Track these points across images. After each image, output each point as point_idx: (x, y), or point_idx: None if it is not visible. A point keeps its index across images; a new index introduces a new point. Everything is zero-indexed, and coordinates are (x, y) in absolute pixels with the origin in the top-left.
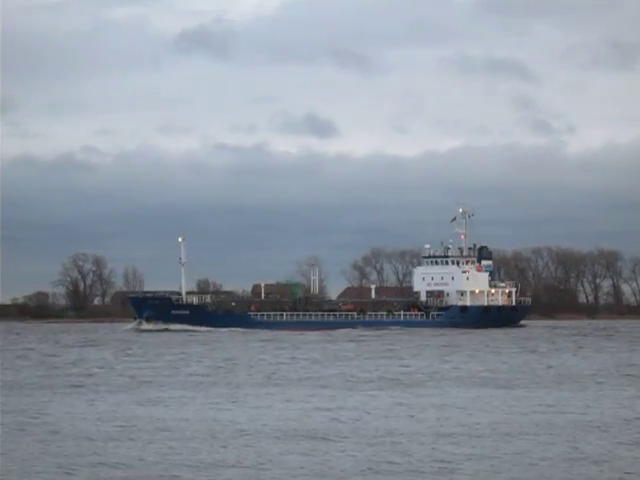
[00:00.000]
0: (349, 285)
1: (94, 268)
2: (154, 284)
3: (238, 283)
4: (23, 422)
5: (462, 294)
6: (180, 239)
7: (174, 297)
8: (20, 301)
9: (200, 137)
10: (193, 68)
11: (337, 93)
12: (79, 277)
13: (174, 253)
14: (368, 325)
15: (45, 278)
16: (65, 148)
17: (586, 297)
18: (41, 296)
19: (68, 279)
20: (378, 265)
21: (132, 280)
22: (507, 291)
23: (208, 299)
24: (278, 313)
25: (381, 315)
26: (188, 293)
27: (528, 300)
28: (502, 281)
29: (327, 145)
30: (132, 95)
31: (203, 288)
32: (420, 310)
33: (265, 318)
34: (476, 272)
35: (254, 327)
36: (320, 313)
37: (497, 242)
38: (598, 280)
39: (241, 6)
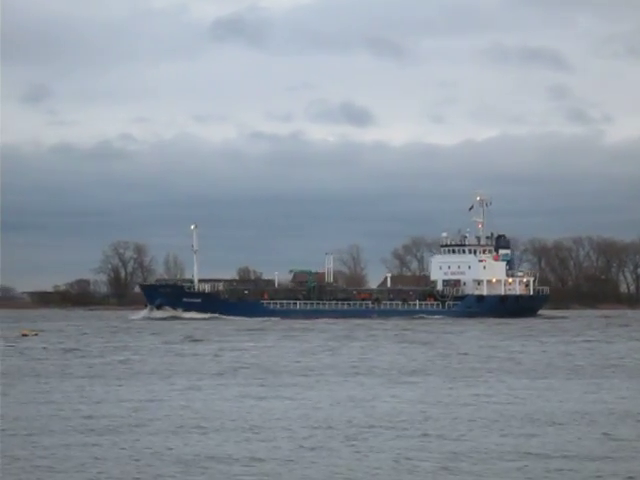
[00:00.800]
0: (389, 274)
1: (135, 255)
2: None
3: (275, 272)
4: (56, 408)
5: (479, 283)
6: (192, 227)
7: (186, 285)
8: (62, 288)
9: (236, 126)
10: (229, 56)
11: (373, 82)
12: (120, 265)
13: (212, 242)
14: (383, 314)
15: (85, 265)
16: (102, 136)
17: (627, 287)
18: (82, 283)
19: (109, 266)
20: (419, 254)
21: (173, 268)
22: (525, 280)
23: (220, 287)
24: (291, 302)
25: (396, 304)
26: (200, 281)
27: (546, 290)
28: (521, 270)
29: (364, 134)
30: (168, 83)
31: (243, 276)
32: (436, 299)
33: (278, 307)
34: (493, 261)
35: (267, 315)
36: (334, 302)
37: (536, 231)
38: (639, 270)
39: None
